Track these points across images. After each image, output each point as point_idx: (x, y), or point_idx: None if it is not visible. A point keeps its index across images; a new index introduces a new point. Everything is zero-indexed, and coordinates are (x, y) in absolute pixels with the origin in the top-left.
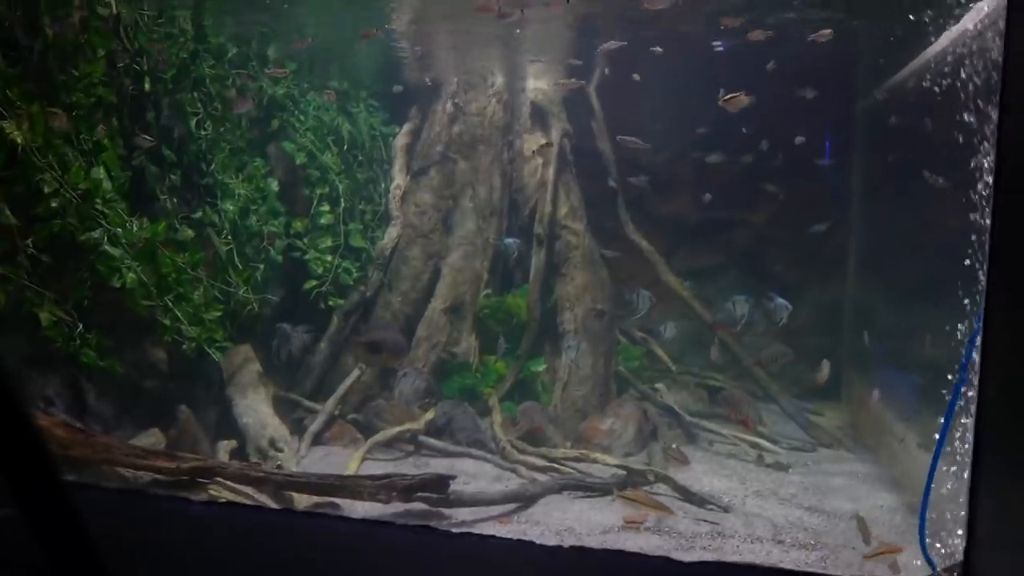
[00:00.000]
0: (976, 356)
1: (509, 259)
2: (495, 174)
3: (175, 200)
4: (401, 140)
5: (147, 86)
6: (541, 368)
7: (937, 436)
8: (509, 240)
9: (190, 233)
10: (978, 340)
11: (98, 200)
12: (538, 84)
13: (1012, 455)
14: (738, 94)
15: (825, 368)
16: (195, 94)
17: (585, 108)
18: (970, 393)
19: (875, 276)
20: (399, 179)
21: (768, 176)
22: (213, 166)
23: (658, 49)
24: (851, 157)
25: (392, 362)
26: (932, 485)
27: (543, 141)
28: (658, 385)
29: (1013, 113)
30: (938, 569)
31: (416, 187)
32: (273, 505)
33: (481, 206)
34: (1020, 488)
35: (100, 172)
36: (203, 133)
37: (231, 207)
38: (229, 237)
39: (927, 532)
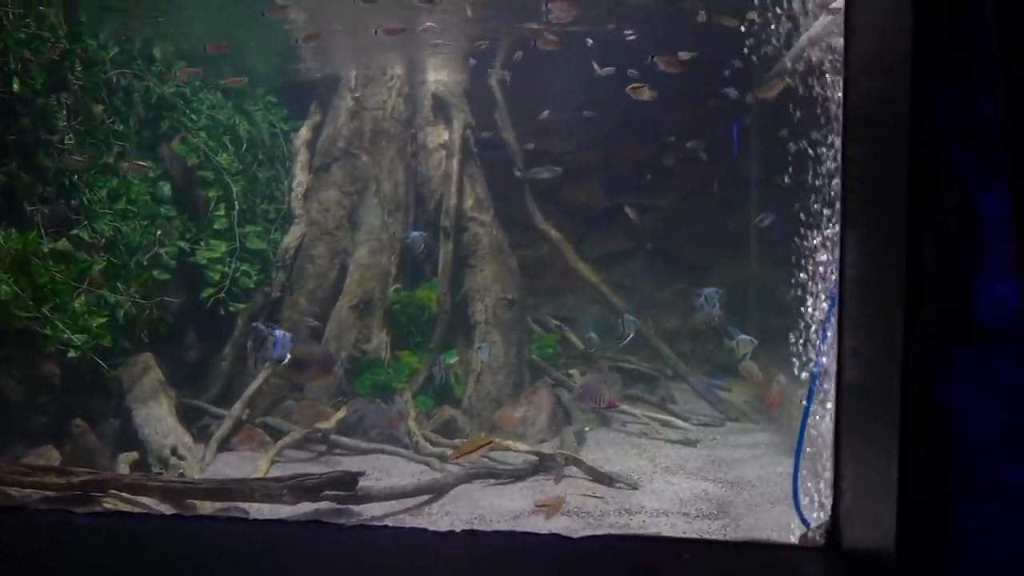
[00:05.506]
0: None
1: (417, 253)
2: (399, 168)
3: (45, 212)
4: (302, 137)
5: (15, 87)
6: (454, 360)
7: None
8: (416, 234)
9: (65, 244)
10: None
11: None
12: (438, 76)
13: (868, 419)
14: (643, 85)
15: (754, 368)
16: (61, 99)
17: (487, 99)
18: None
19: (770, 255)
20: (301, 176)
21: (675, 163)
22: (76, 180)
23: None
24: (750, 143)
25: (322, 378)
26: (803, 449)
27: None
28: (572, 371)
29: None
30: (811, 526)
31: (319, 184)
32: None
33: (386, 201)
34: (876, 449)
35: None
36: (68, 143)
37: (105, 225)
38: (104, 254)
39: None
